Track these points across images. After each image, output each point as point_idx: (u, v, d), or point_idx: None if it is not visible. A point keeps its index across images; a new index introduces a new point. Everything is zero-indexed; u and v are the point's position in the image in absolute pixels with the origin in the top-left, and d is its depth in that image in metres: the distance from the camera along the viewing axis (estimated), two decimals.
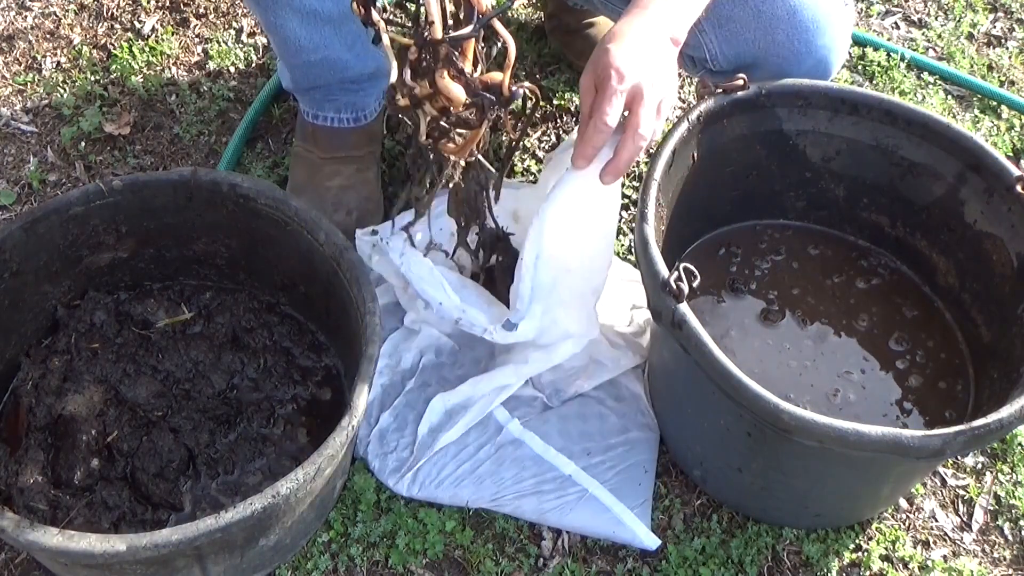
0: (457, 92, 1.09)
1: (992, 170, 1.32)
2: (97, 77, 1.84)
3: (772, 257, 1.49)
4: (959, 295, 1.41)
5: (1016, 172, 1.31)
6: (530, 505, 1.36)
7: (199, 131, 1.77)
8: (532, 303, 1.33)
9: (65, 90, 1.81)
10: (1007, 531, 1.42)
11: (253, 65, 1.88)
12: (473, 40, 1.09)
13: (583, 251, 1.33)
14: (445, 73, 1.08)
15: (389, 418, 1.42)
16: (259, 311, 1.45)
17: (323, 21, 1.43)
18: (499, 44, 1.10)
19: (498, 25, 1.08)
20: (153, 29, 1.92)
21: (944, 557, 1.39)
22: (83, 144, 1.75)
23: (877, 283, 1.47)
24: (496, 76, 1.10)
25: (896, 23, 2.06)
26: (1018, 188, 1.29)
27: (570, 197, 1.27)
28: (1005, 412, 1.12)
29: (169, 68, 1.86)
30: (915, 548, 1.39)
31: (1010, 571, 1.39)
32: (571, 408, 1.44)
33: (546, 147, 1.78)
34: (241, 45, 1.90)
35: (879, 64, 1.94)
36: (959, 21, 2.05)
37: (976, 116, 1.89)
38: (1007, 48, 2.02)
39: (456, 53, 1.07)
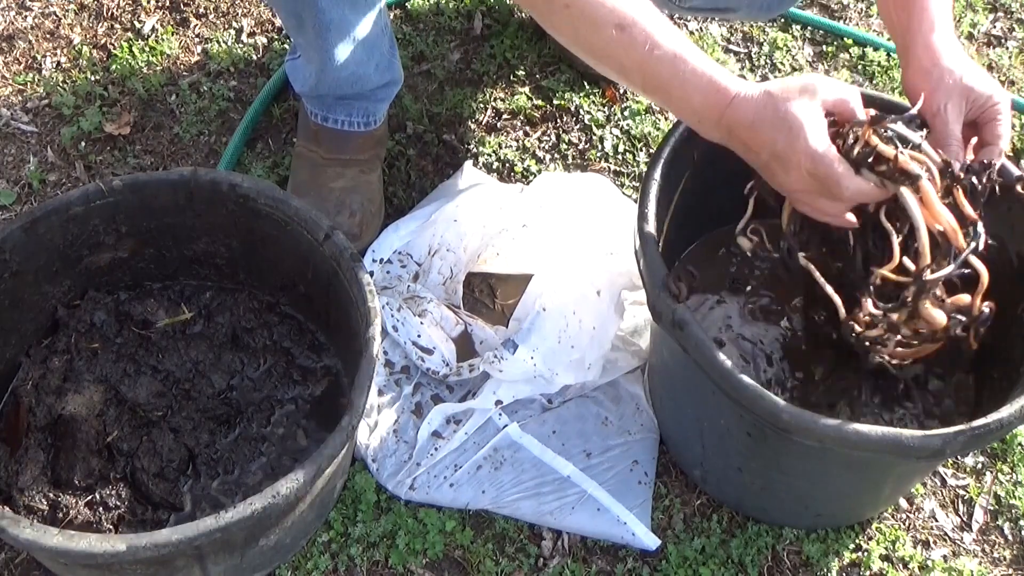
0: (939, 317, 1.15)
1: None
2: (97, 77, 1.84)
3: (772, 256, 1.49)
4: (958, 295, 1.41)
5: (1016, 172, 1.31)
6: (529, 507, 1.36)
7: (199, 131, 1.77)
8: (533, 334, 1.36)
9: (65, 90, 1.81)
10: (1007, 531, 1.42)
11: (253, 65, 1.88)
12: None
13: (596, 310, 1.36)
14: (927, 302, 1.14)
15: (388, 421, 1.42)
16: (259, 311, 1.45)
17: (360, 43, 1.48)
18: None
19: (972, 259, 1.14)
20: (153, 29, 1.92)
21: (944, 557, 1.39)
22: (83, 144, 1.75)
23: None
24: (964, 299, 1.16)
25: None
26: (1018, 188, 1.29)
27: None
28: (1005, 412, 1.12)
29: (169, 68, 1.86)
30: (915, 548, 1.39)
31: (1010, 571, 1.39)
32: (569, 410, 1.44)
33: (546, 147, 1.78)
34: (241, 45, 1.90)
35: (879, 64, 1.94)
36: (959, 21, 2.05)
37: None
38: (1007, 48, 2.02)
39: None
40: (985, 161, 1.23)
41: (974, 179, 1.19)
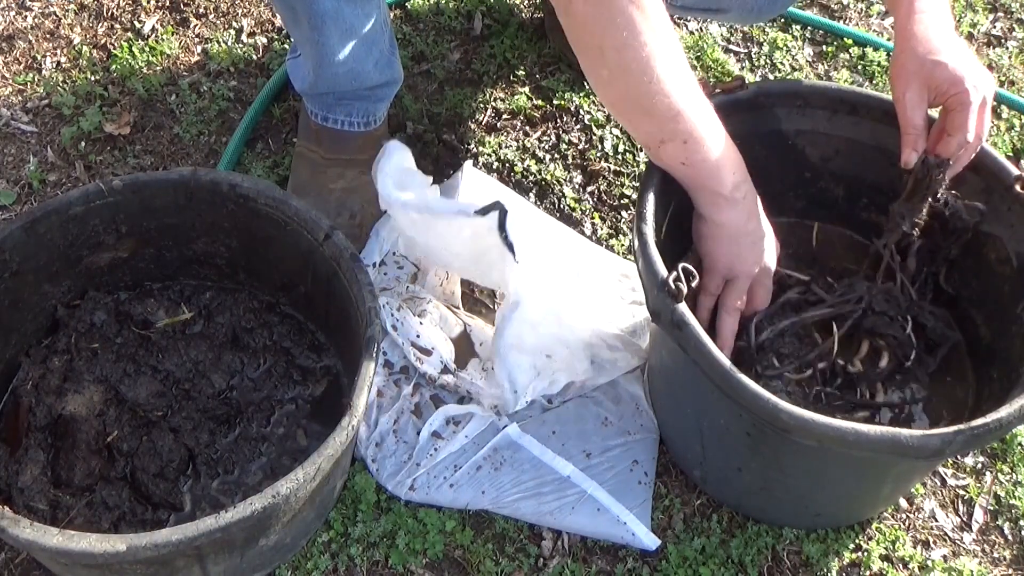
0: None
1: (992, 170, 1.32)
2: (97, 77, 1.84)
3: None
4: (959, 295, 1.41)
5: (1016, 172, 1.31)
6: (529, 507, 1.36)
7: (199, 131, 1.77)
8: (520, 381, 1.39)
9: (65, 90, 1.81)
10: (1007, 531, 1.42)
11: (253, 65, 1.88)
12: None
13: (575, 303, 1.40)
14: None
15: (388, 421, 1.42)
16: (259, 311, 1.45)
17: (358, 38, 1.47)
18: None
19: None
20: (153, 29, 1.92)
21: (944, 557, 1.39)
22: (83, 144, 1.75)
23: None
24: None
25: None
26: (1017, 188, 1.30)
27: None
28: (1005, 412, 1.12)
29: (169, 68, 1.86)
30: (915, 548, 1.39)
31: (1010, 571, 1.39)
32: (569, 410, 1.44)
33: (546, 147, 1.78)
34: (241, 45, 1.90)
35: (879, 64, 1.94)
36: (959, 21, 2.05)
37: None
38: (1007, 48, 2.02)
39: None
40: (940, 156, 1.22)
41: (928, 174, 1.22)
